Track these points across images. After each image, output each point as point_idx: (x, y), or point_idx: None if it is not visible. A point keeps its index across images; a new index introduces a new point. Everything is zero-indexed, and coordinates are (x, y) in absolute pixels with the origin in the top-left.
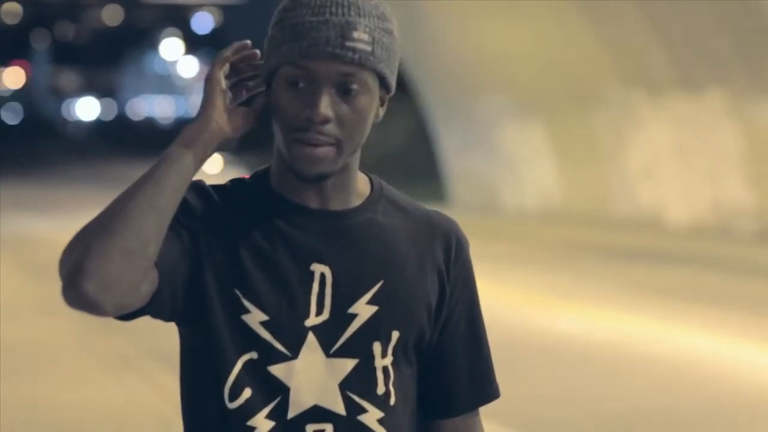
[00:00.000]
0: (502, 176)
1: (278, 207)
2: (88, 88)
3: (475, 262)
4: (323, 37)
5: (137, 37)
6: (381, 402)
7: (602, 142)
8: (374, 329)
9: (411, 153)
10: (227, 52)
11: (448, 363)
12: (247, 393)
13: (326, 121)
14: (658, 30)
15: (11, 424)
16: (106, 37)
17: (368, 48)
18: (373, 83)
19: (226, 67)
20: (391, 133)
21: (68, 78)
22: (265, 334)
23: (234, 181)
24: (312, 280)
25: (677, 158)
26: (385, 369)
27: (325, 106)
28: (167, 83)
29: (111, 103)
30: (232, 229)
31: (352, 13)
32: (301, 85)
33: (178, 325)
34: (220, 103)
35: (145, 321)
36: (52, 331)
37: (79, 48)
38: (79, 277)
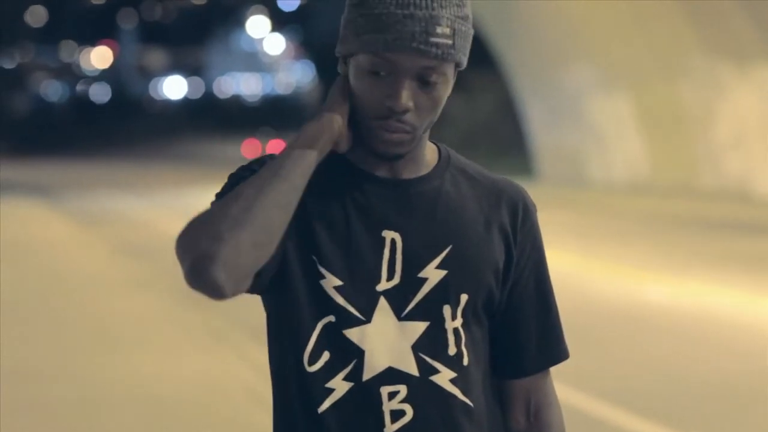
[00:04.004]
0: (588, 149)
1: (351, 176)
2: (175, 67)
3: (562, 234)
4: (408, 32)
5: (224, 15)
6: (453, 362)
7: (689, 113)
8: (444, 293)
9: (497, 127)
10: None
11: (517, 324)
12: (325, 356)
13: (406, 111)
14: (743, 1)
15: (110, 397)
16: (193, 15)
17: (449, 41)
18: (450, 71)
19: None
20: (477, 107)
21: (155, 57)
22: (339, 299)
23: None
24: (383, 246)
25: (764, 129)
26: (455, 331)
27: (406, 97)
28: (254, 61)
29: (198, 81)
30: (308, 198)
31: (435, 5)
32: (382, 74)
33: (263, 295)
34: (345, 107)
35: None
36: (146, 306)
37: (165, 27)
38: (209, 265)
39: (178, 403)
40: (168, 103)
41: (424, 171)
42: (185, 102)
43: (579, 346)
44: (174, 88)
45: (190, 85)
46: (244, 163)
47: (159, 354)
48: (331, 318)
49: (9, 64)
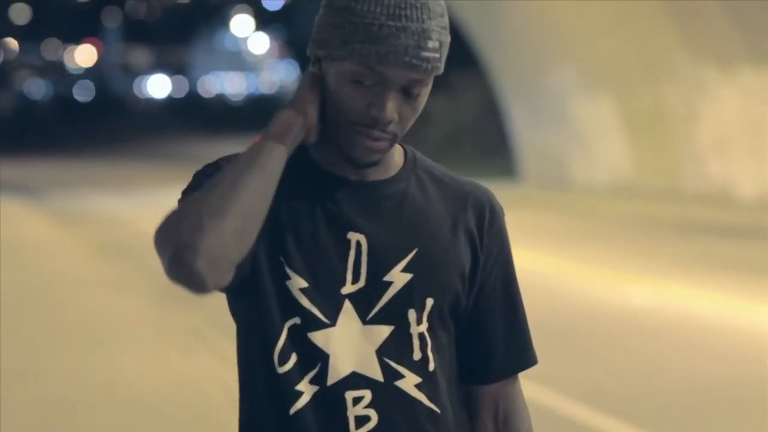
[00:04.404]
0: (572, 150)
1: (317, 177)
2: (159, 66)
3: (544, 235)
4: (402, 45)
5: (208, 14)
6: (418, 367)
7: (672, 115)
8: (409, 296)
9: (481, 127)
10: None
11: (484, 329)
12: (294, 358)
13: (391, 122)
14: (727, 2)
15: (90, 397)
16: (177, 14)
17: (437, 55)
18: (431, 80)
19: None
20: (461, 107)
21: (139, 55)
22: (305, 301)
23: None
24: (348, 249)
25: (747, 132)
26: (421, 335)
27: (392, 108)
28: (238, 60)
29: (182, 80)
30: (276, 198)
31: (425, 17)
32: (367, 83)
33: (233, 294)
34: (315, 99)
35: (212, 296)
36: (123, 307)
37: (150, 25)
38: (191, 254)
39: (158, 403)
40: (152, 102)
41: (391, 173)
42: (169, 101)
43: (559, 349)
44: (158, 86)
45: (174, 83)
46: (209, 162)
47: (139, 354)
48: (297, 320)
49: None
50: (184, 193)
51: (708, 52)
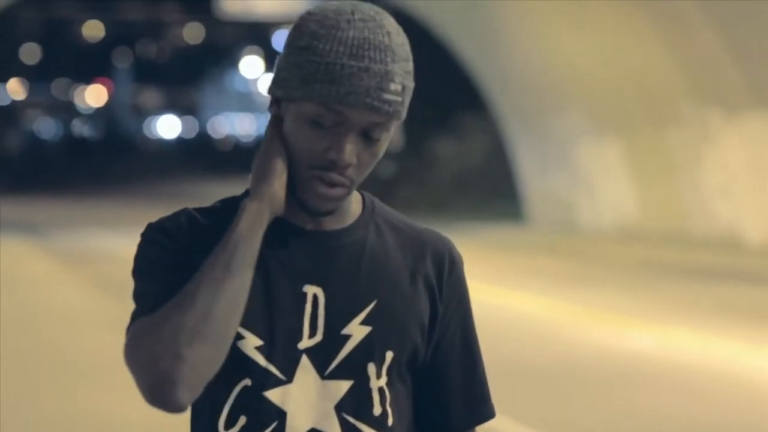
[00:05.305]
0: (578, 195)
1: (271, 227)
2: (169, 106)
3: (550, 280)
4: (363, 87)
5: (218, 55)
6: (378, 423)
7: (678, 160)
8: (368, 350)
9: (488, 171)
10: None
11: (441, 381)
12: (242, 421)
13: (349, 166)
14: (733, 48)
15: None
16: (188, 55)
17: (399, 99)
18: (393, 127)
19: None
20: (468, 150)
21: (150, 96)
22: (260, 359)
23: (224, 202)
24: (305, 302)
25: (753, 176)
26: (380, 390)
27: (350, 152)
28: (248, 101)
29: (192, 120)
30: None
31: (388, 59)
32: (326, 124)
33: None
34: (284, 173)
35: None
36: (118, 345)
37: (160, 66)
38: (172, 388)
39: None
40: (162, 142)
41: (348, 222)
42: (179, 141)
43: (564, 394)
44: (168, 127)
45: (184, 124)
46: (152, 223)
47: (136, 393)
48: (248, 381)
49: (3, 102)
50: (135, 273)
51: (713, 97)
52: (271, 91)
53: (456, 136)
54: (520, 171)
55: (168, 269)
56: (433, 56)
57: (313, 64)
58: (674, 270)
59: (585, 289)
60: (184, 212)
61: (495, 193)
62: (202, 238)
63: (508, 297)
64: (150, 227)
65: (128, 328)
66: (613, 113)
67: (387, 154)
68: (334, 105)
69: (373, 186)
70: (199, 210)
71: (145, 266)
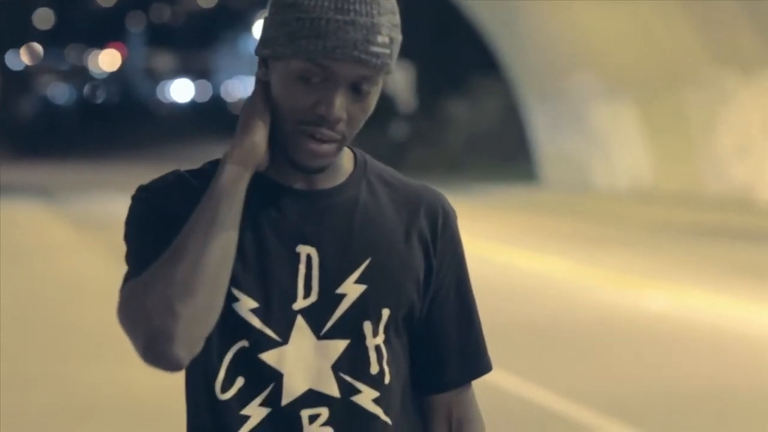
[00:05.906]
0: (593, 156)
1: (262, 188)
2: (182, 70)
3: (564, 240)
4: (350, 40)
5: (231, 19)
6: (375, 381)
7: (693, 121)
8: (364, 308)
9: (502, 132)
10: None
11: (437, 337)
12: (239, 382)
13: (339, 120)
14: (748, 8)
15: (94, 405)
16: (201, 18)
17: (387, 51)
18: (381, 80)
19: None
20: (482, 112)
21: (163, 60)
22: (255, 321)
23: (213, 164)
24: (298, 262)
25: None
26: (377, 348)
27: (340, 106)
28: None
29: (206, 84)
30: None
31: (374, 12)
32: (314, 80)
33: None
34: (266, 125)
35: None
36: None
37: (174, 30)
38: (168, 343)
39: (163, 412)
40: (175, 106)
41: (340, 180)
42: (192, 105)
43: (579, 355)
44: (181, 91)
45: (197, 88)
46: (143, 185)
47: (139, 363)
48: (245, 343)
49: (16, 67)
50: (127, 235)
51: (728, 58)
52: (258, 51)
53: (469, 97)
54: (533, 132)
55: (159, 230)
56: (447, 17)
57: (298, 21)
58: (689, 231)
59: (600, 250)
60: (175, 173)
61: (508, 154)
62: (192, 199)
63: (521, 257)
64: (140, 189)
65: (121, 289)
66: (628, 75)
67: (400, 116)
68: (321, 60)
69: (387, 147)
70: (190, 171)
71: (136, 228)
